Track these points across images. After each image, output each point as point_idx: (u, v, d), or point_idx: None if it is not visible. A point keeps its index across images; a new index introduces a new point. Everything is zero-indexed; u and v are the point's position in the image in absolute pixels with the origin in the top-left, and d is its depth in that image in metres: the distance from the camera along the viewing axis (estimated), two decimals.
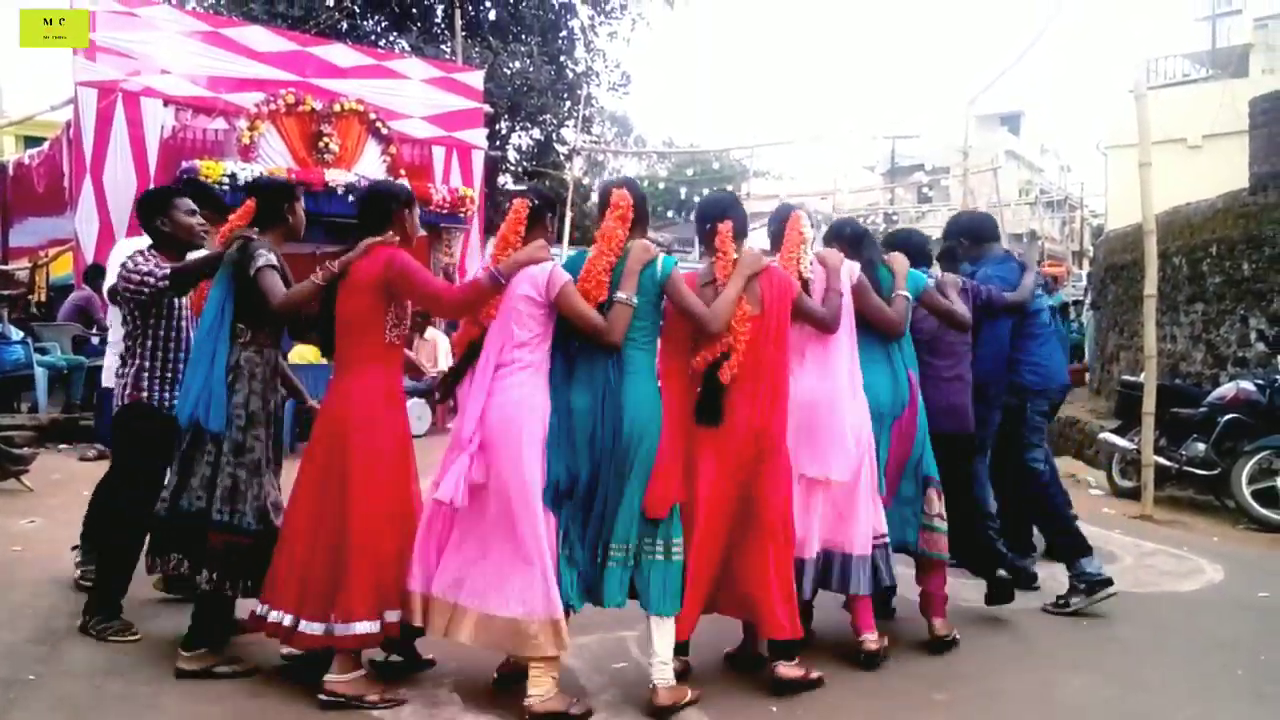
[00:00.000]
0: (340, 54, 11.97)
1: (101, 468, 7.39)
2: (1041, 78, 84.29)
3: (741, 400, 3.29)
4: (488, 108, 14.02)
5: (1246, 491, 6.38)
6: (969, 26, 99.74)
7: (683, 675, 3.33)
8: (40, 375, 8.59)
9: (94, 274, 9.45)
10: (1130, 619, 4.36)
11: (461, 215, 11.31)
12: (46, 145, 11.83)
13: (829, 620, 3.95)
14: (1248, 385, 6.86)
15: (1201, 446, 6.80)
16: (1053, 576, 4.68)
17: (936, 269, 4.57)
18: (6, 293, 9.33)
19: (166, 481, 3.55)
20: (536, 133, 20.11)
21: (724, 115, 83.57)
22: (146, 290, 3.64)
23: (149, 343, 3.79)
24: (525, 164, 20.00)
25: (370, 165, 10.82)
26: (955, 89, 69.69)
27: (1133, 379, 7.70)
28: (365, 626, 3.12)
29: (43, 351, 8.81)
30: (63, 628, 3.90)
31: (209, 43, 10.77)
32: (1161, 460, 6.85)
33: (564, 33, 19.87)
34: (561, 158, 20.16)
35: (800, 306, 3.50)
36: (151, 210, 3.88)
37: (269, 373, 3.54)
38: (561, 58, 19.54)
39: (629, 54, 54.34)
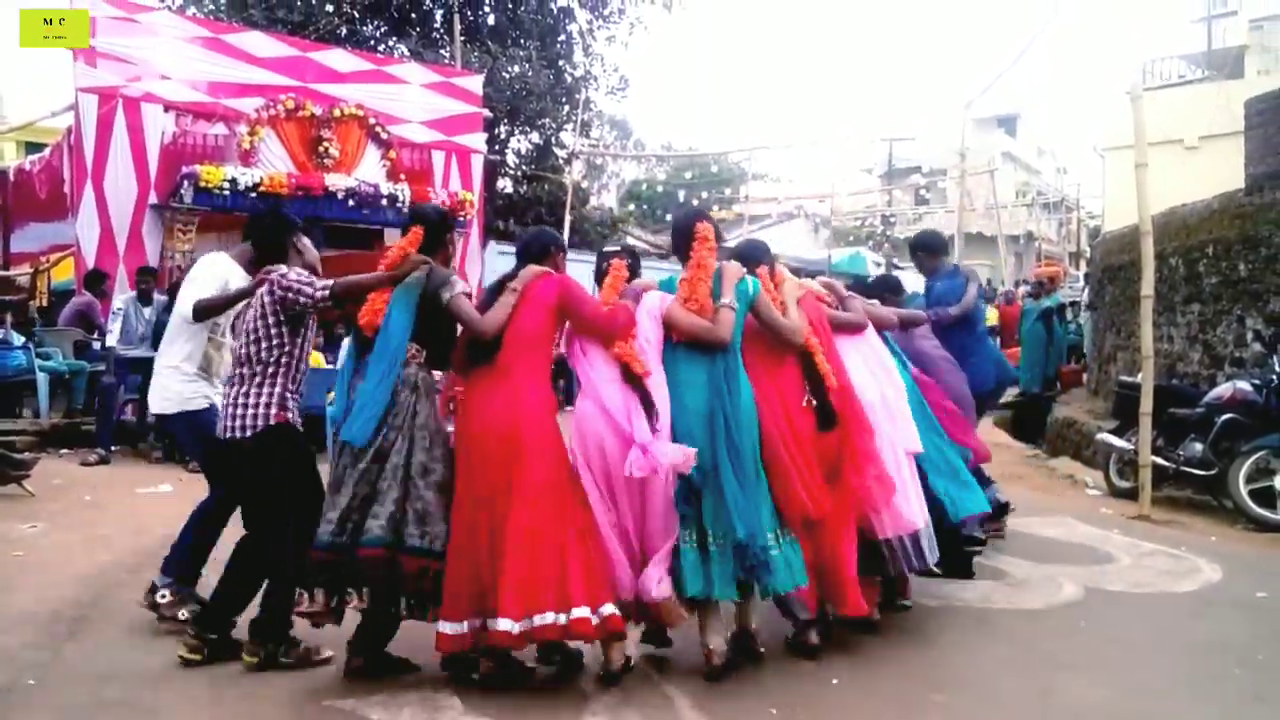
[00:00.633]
0: (340, 59, 12.01)
1: (102, 471, 7.55)
2: (1038, 80, 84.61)
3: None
4: (487, 112, 14.05)
5: (1244, 491, 6.39)
6: (966, 29, 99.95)
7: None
8: (42, 380, 8.61)
9: (95, 279, 9.47)
10: (1128, 619, 4.38)
11: (460, 219, 11.33)
12: (47, 151, 11.86)
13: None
14: (1244, 385, 6.86)
15: (1199, 447, 6.81)
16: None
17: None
18: (8, 298, 9.32)
19: (332, 508, 3.36)
20: (535, 136, 20.10)
21: (722, 118, 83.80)
22: (302, 301, 3.55)
23: (290, 360, 3.65)
24: (524, 168, 19.98)
25: (370, 170, 10.84)
26: (952, 91, 69.65)
27: (1130, 379, 7.70)
28: (609, 609, 3.27)
29: (44, 357, 8.82)
30: (63, 633, 3.91)
31: (209, 48, 10.80)
32: (1159, 460, 6.87)
33: (562, 37, 19.89)
34: (560, 161, 20.17)
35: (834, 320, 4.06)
36: (289, 228, 3.95)
37: (435, 393, 3.58)
38: (560, 62, 19.56)
39: (627, 58, 54.70)
